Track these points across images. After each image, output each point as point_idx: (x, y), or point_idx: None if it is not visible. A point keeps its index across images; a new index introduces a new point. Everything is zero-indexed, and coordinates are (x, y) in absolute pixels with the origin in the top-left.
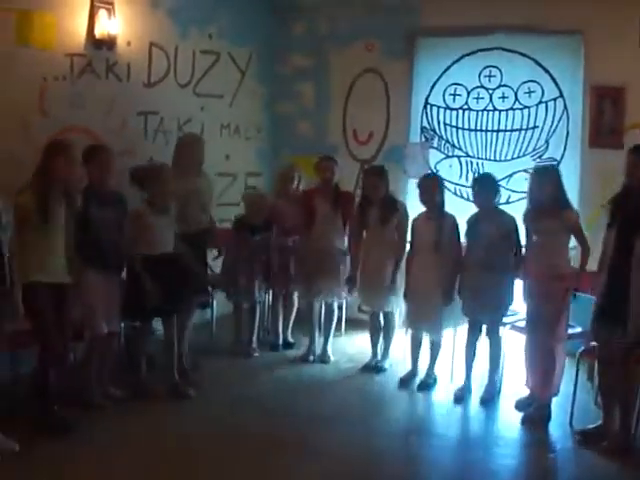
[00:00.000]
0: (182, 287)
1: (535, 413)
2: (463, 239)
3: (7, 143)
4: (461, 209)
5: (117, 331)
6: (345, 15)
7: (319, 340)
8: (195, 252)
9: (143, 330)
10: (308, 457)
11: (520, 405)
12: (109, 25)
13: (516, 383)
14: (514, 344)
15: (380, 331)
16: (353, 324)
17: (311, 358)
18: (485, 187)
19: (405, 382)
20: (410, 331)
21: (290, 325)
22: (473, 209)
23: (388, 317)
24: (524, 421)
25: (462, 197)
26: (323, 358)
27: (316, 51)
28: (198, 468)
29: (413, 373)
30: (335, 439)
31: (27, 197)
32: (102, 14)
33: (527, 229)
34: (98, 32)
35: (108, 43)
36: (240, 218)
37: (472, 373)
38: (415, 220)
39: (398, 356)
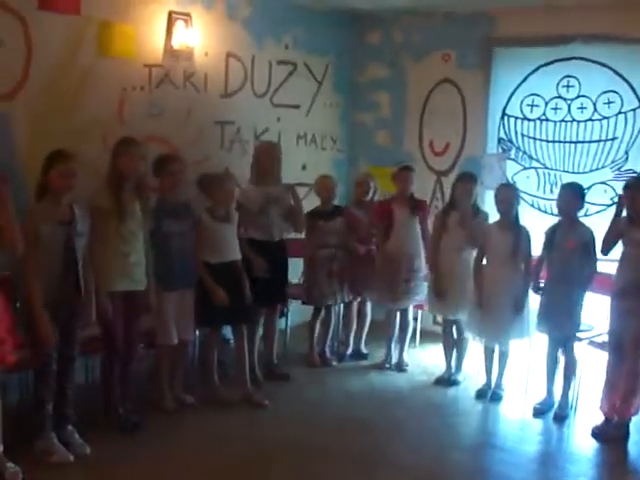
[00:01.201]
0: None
1: (613, 432)
2: (537, 251)
3: (88, 152)
4: (536, 221)
5: (190, 339)
6: (421, 25)
7: (395, 348)
8: (276, 261)
9: (213, 338)
10: (381, 469)
11: (596, 431)
12: (186, 36)
13: (592, 402)
14: (591, 360)
15: (453, 344)
16: (427, 336)
17: (387, 365)
18: (572, 194)
19: (481, 394)
20: (482, 342)
21: (364, 336)
22: (548, 222)
23: (460, 329)
24: (595, 435)
25: (539, 209)
26: (400, 366)
27: (392, 61)
28: (269, 477)
29: (488, 385)
30: (407, 451)
31: (102, 198)
32: (180, 25)
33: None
34: (176, 43)
35: (186, 54)
36: (312, 210)
37: (554, 387)
38: (488, 229)
39: (473, 368)
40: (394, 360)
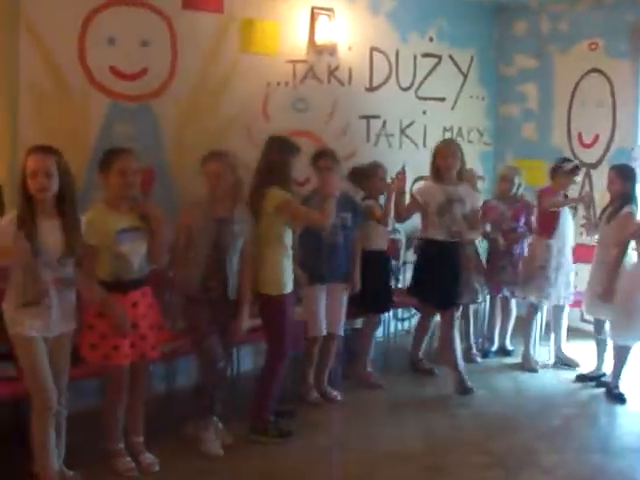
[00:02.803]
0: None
1: None
2: None
3: (233, 146)
4: None
5: (338, 334)
6: (568, 13)
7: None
8: (453, 262)
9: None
10: (525, 469)
11: None
12: (330, 31)
13: None
14: None
15: (605, 342)
16: (575, 333)
17: (533, 363)
18: None
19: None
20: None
21: (509, 332)
22: None
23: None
24: None
25: None
26: (564, 362)
27: (539, 51)
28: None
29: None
30: (551, 452)
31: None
32: (323, 20)
33: None
34: (319, 38)
35: (329, 48)
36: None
37: None
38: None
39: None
40: (539, 357)
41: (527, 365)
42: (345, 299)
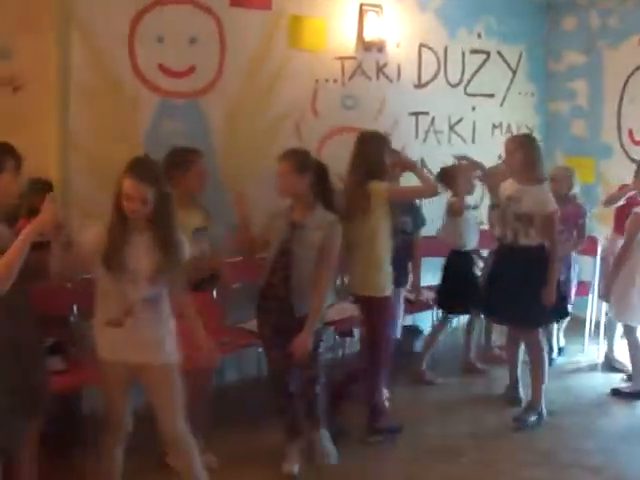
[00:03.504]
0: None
1: None
2: None
3: (281, 143)
4: None
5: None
6: (617, 8)
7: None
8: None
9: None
10: (572, 470)
11: None
12: (378, 27)
13: None
14: None
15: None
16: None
17: (617, 364)
18: None
19: None
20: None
21: (562, 329)
22: None
23: None
24: None
25: None
26: (613, 364)
27: (588, 47)
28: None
29: None
30: (598, 452)
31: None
32: (371, 17)
33: None
34: (368, 35)
35: (378, 45)
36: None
37: None
38: None
39: None
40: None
41: (612, 365)
42: (401, 302)
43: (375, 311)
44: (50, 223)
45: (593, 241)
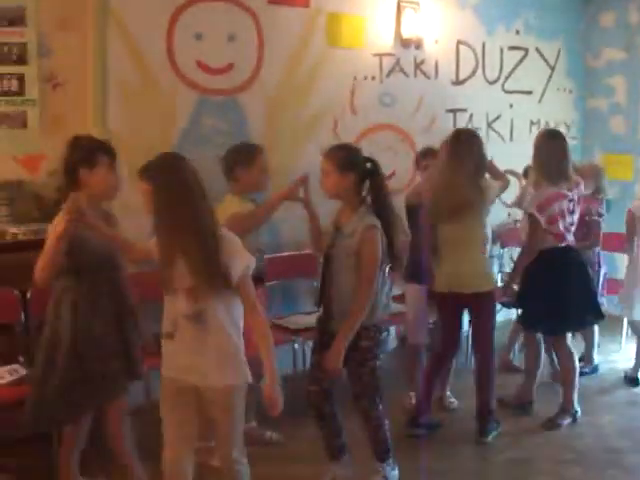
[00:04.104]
0: None
1: None
2: None
3: (320, 140)
4: None
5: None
6: None
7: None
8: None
9: None
10: (610, 470)
11: None
12: (416, 24)
13: None
14: None
15: None
16: None
17: None
18: None
19: None
20: None
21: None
22: None
23: None
24: None
25: None
26: None
27: (627, 43)
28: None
29: None
30: (637, 452)
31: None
32: (409, 14)
33: None
34: (405, 31)
35: (415, 42)
36: None
37: None
38: None
39: None
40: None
41: None
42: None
43: (488, 305)
44: (72, 217)
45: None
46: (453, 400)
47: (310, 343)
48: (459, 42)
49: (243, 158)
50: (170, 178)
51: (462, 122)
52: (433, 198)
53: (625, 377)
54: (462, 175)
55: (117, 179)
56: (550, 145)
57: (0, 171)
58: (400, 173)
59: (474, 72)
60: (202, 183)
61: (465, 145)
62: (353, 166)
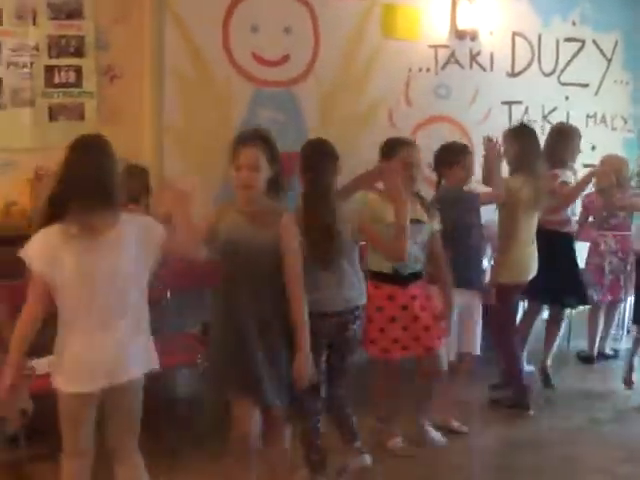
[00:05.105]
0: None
1: None
2: None
3: (375, 132)
4: None
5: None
6: None
7: None
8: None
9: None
10: None
11: None
12: (471, 16)
13: None
14: None
15: None
16: None
17: None
18: None
19: None
20: None
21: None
22: None
23: None
24: None
25: None
26: None
27: None
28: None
29: None
30: None
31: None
32: (464, 5)
33: None
34: (461, 23)
35: (471, 34)
36: None
37: None
38: None
39: None
40: None
41: None
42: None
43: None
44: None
45: None
46: None
47: None
48: (515, 33)
49: (385, 152)
50: None
51: (518, 115)
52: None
53: None
54: (542, 167)
55: None
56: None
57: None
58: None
59: (530, 64)
60: None
61: (558, 137)
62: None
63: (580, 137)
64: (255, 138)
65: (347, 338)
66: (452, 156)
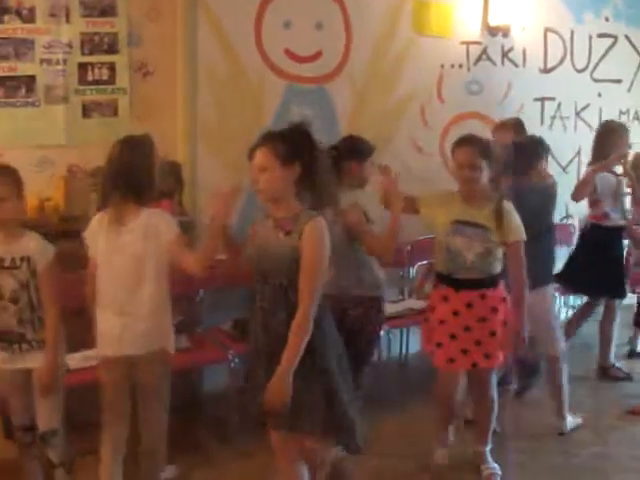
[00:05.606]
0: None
1: None
2: None
3: (407, 128)
4: None
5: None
6: None
7: None
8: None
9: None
10: None
11: None
12: (503, 12)
13: None
14: None
15: None
16: None
17: None
18: None
19: None
20: None
21: None
22: None
23: None
24: None
25: None
26: None
27: None
28: None
29: None
30: None
31: None
32: (496, 1)
33: None
34: (493, 19)
35: (503, 30)
36: None
37: None
38: None
39: None
40: None
41: None
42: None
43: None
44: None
45: None
46: None
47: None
48: (547, 30)
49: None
50: None
51: (550, 111)
52: None
53: None
54: None
55: None
56: None
57: (92, 158)
58: None
59: (562, 60)
60: None
61: (605, 136)
62: None
63: (628, 133)
64: (264, 140)
65: (347, 327)
66: (541, 150)
